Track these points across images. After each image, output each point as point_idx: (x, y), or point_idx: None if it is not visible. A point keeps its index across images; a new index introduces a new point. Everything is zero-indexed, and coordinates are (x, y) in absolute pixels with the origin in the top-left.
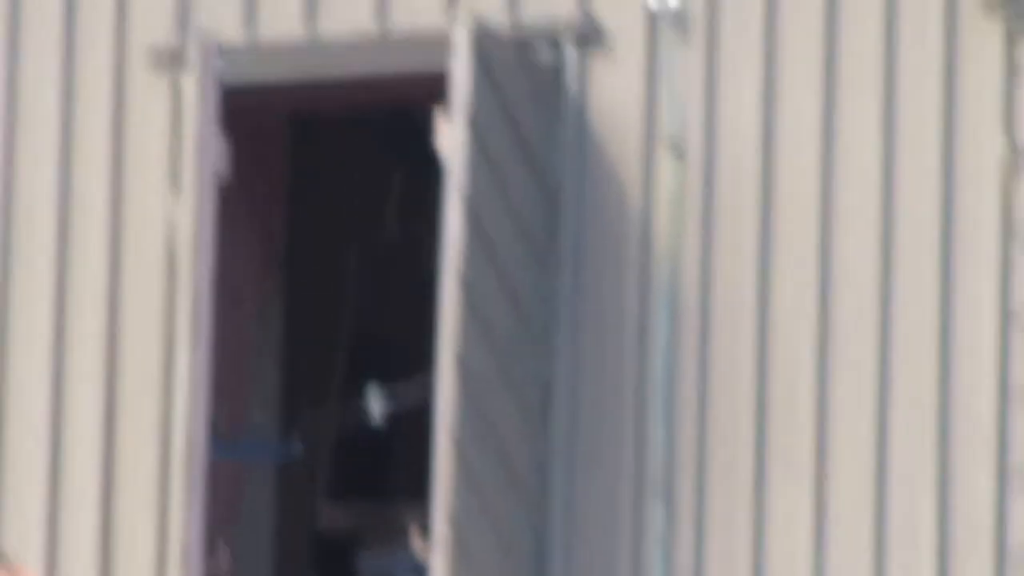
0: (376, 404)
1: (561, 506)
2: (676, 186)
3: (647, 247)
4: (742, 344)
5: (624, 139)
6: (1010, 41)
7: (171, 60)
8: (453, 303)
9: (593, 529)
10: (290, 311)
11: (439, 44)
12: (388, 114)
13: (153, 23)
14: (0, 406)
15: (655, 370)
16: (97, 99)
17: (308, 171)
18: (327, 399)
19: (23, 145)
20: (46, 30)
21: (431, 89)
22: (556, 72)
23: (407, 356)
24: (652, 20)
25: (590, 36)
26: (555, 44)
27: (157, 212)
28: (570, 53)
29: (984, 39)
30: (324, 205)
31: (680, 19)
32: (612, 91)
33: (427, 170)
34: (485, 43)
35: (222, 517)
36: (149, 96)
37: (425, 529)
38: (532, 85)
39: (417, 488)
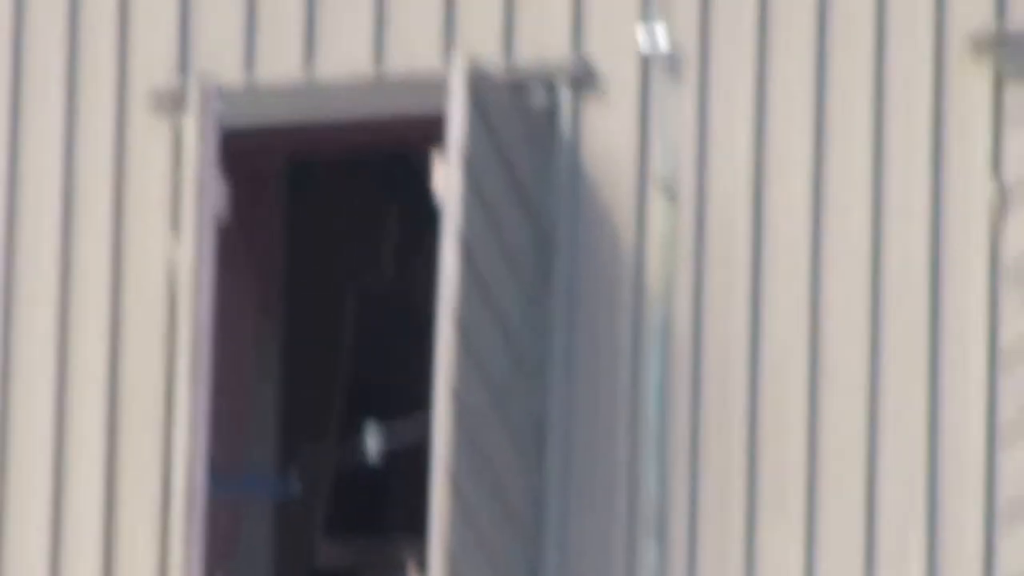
0: (373, 442)
1: (555, 540)
2: (668, 227)
3: (640, 287)
4: (734, 383)
5: (617, 181)
6: (998, 84)
7: (171, 103)
8: (448, 342)
9: (587, 564)
10: (288, 349)
11: (435, 87)
12: (385, 157)
13: (154, 66)
14: (3, 443)
15: (648, 408)
16: (98, 142)
17: (306, 212)
18: (325, 436)
19: (25, 187)
20: (48, 73)
21: (427, 131)
22: (550, 115)
23: (404, 394)
24: (645, 63)
25: (583, 79)
26: (549, 87)
27: (158, 252)
28: (564, 96)
29: (973, 81)
30: (322, 245)
31: (672, 62)
32: (605, 133)
33: (424, 212)
34: (480, 86)
35: (221, 552)
36: (150, 139)
37: (422, 564)
38: (526, 127)
39: (414, 524)
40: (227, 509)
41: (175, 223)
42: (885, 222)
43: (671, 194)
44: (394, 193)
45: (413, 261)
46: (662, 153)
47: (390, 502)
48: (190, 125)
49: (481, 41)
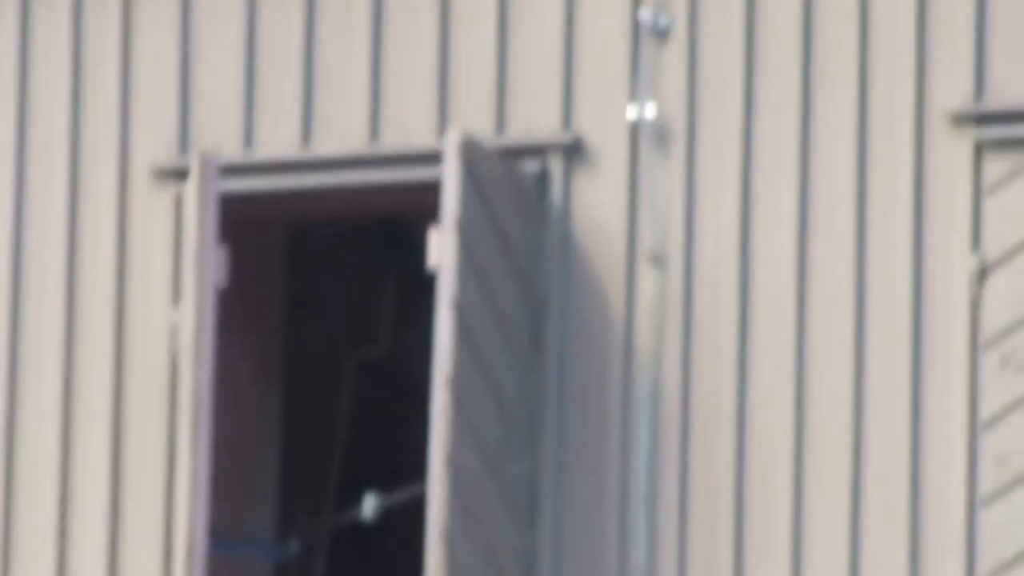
0: (370, 507)
1: None
2: (657, 295)
3: (629, 354)
4: (721, 446)
5: (607, 250)
6: (978, 157)
7: (173, 172)
8: (443, 408)
9: None
10: (288, 416)
11: (429, 159)
12: (381, 227)
13: (155, 142)
14: (8, 506)
15: (637, 471)
16: (101, 213)
17: (304, 279)
18: (324, 501)
19: (30, 257)
20: (52, 149)
21: (421, 201)
22: (541, 184)
23: (401, 460)
24: (633, 135)
25: (574, 150)
26: (540, 157)
27: (159, 320)
28: (555, 167)
29: (953, 155)
30: (320, 314)
31: (659, 133)
32: (595, 204)
33: (419, 281)
34: (473, 157)
35: None
36: (151, 209)
37: None
38: (518, 198)
39: None
40: (227, 572)
41: (176, 291)
42: (868, 291)
43: (659, 262)
44: (390, 262)
45: (409, 329)
46: (650, 222)
47: (385, 562)
48: (190, 195)
49: (474, 116)
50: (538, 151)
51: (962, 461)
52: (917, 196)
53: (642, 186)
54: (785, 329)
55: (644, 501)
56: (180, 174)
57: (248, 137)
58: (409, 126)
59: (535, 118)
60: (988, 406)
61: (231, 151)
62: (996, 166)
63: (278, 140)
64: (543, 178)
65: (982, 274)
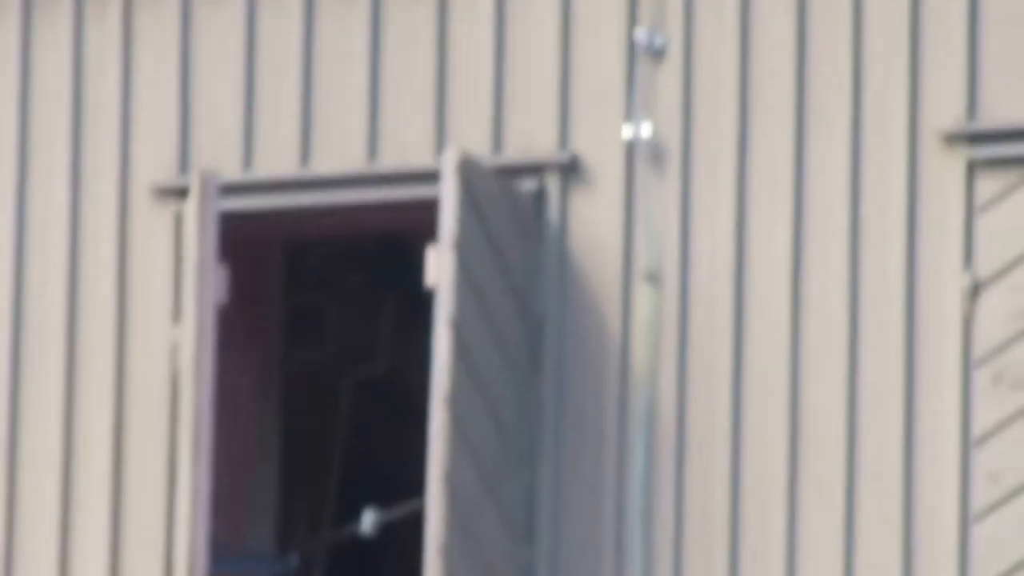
0: (369, 522)
1: None
2: (652, 313)
3: (625, 371)
4: (716, 463)
5: (603, 268)
6: (970, 175)
7: (173, 190)
8: (441, 425)
9: None
10: (287, 432)
11: (427, 178)
12: (379, 244)
13: (156, 161)
14: (10, 523)
15: (633, 488)
16: (102, 231)
17: (303, 296)
18: (323, 514)
19: (32, 275)
20: (53, 168)
21: (419, 219)
22: (538, 202)
23: (399, 476)
24: (629, 154)
25: (570, 169)
26: (537, 176)
27: (160, 336)
28: (551, 184)
29: (945, 173)
30: (319, 330)
31: (655, 152)
32: (591, 222)
33: (416, 298)
34: (471, 176)
35: None
36: (152, 228)
37: None
38: (515, 215)
39: None
40: None
41: (176, 309)
42: (861, 308)
43: (655, 281)
44: (388, 280)
45: (407, 346)
46: (646, 240)
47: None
48: (191, 214)
49: (471, 135)
50: (535, 170)
51: (955, 477)
52: (910, 214)
53: (638, 205)
54: (780, 347)
55: (640, 517)
56: (180, 193)
57: (247, 156)
58: (407, 145)
59: (532, 137)
60: (981, 422)
61: (231, 170)
62: (988, 185)
63: (277, 159)
64: (540, 197)
65: (975, 291)
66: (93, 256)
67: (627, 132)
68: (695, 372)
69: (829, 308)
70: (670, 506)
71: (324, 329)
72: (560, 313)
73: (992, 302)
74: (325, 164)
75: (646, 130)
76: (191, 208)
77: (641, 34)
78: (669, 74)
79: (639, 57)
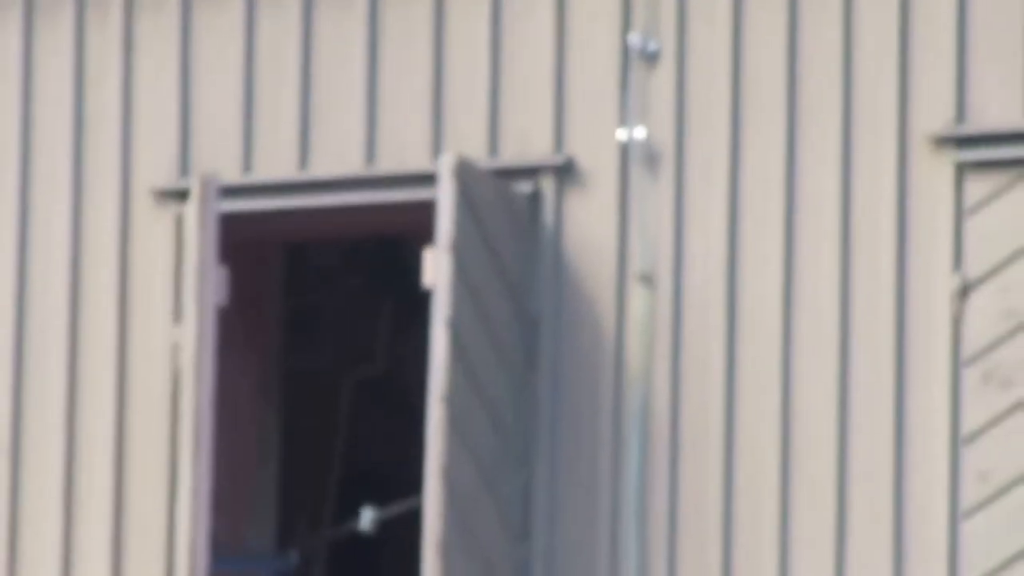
0: (368, 519)
1: None
2: (647, 314)
3: (620, 371)
4: (710, 461)
5: (598, 269)
6: (959, 178)
7: (174, 193)
8: (439, 423)
9: None
10: (287, 432)
11: (424, 181)
12: (377, 246)
13: (156, 164)
14: (13, 520)
15: (628, 486)
16: (103, 233)
17: (302, 297)
18: (322, 512)
19: (34, 277)
20: (56, 173)
21: (416, 221)
22: (534, 204)
23: (397, 474)
24: (624, 155)
25: (565, 171)
26: (533, 177)
27: (161, 337)
28: (547, 186)
29: (935, 176)
30: (318, 330)
31: (649, 153)
32: (586, 224)
33: (414, 298)
34: (467, 179)
35: None
36: (153, 230)
37: None
38: (511, 216)
39: None
40: None
41: (177, 310)
42: (852, 309)
43: (649, 282)
44: (386, 282)
45: (405, 346)
46: (640, 242)
47: (383, 572)
48: (191, 216)
49: (468, 138)
50: (530, 173)
51: (945, 475)
52: (900, 216)
53: (632, 207)
54: (772, 347)
55: (635, 515)
56: (180, 195)
57: (247, 159)
58: (404, 148)
59: (527, 140)
60: (970, 421)
61: (230, 173)
62: (977, 187)
63: (276, 162)
64: (535, 199)
65: (964, 292)
66: (95, 258)
67: (621, 135)
68: (689, 372)
69: (820, 308)
70: (664, 504)
71: (323, 330)
72: (555, 313)
73: (981, 303)
74: (323, 166)
75: (640, 133)
76: (191, 210)
77: (635, 39)
78: (662, 78)
79: (633, 61)
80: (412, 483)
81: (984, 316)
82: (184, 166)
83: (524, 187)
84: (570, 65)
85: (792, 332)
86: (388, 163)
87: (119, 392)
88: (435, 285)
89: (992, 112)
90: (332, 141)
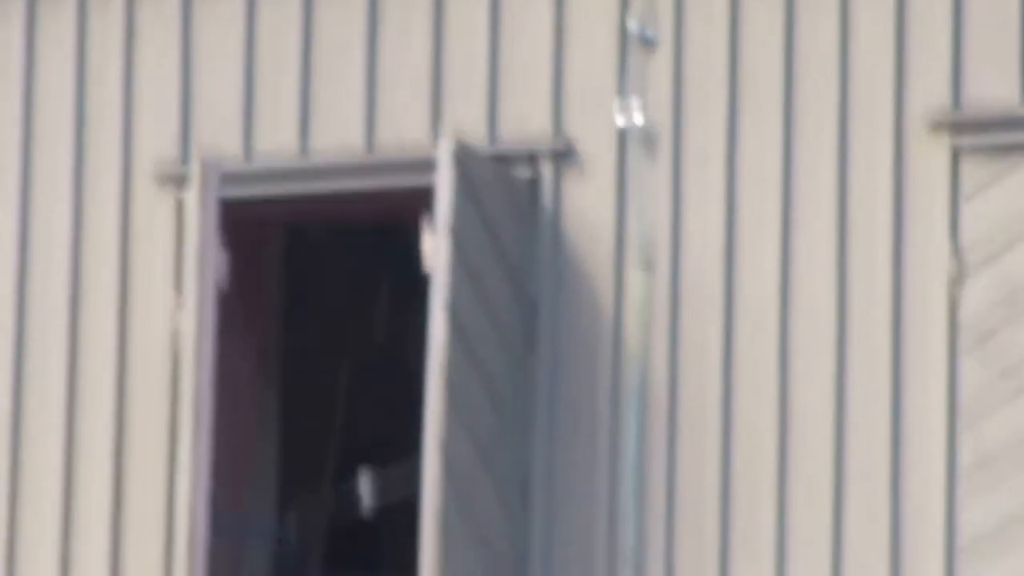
0: (367, 490)
1: None
2: (644, 293)
3: (618, 351)
4: (707, 439)
5: (596, 250)
6: (955, 160)
7: (175, 178)
8: (437, 401)
9: None
10: (286, 405)
11: (423, 163)
12: (377, 228)
13: (158, 144)
14: (13, 492)
15: (626, 466)
16: (105, 215)
17: (302, 275)
18: (321, 486)
19: (36, 259)
20: (57, 157)
21: (416, 204)
22: (532, 188)
23: (396, 450)
24: (622, 140)
25: (564, 154)
26: (531, 162)
27: (162, 317)
28: (545, 170)
29: (931, 160)
30: (317, 308)
31: (647, 138)
32: (585, 206)
33: (413, 280)
34: (466, 161)
35: None
36: (154, 212)
37: None
38: (510, 200)
39: (406, 565)
40: (228, 559)
41: (178, 289)
42: (849, 292)
43: (647, 262)
44: (386, 264)
45: (404, 328)
46: (638, 223)
47: (382, 543)
48: (192, 198)
49: (467, 119)
50: (529, 157)
51: (942, 456)
52: (897, 201)
53: (630, 190)
54: (769, 330)
55: (632, 494)
56: (181, 180)
57: (247, 145)
58: (404, 134)
59: (526, 125)
60: (968, 403)
61: (231, 159)
62: (974, 172)
63: (277, 147)
64: (534, 183)
65: (961, 276)
66: (96, 242)
67: (620, 120)
68: (686, 353)
69: (817, 292)
70: (662, 482)
71: (323, 312)
72: (554, 296)
73: (978, 286)
74: (324, 151)
75: (638, 118)
76: (192, 195)
77: (633, 24)
78: (660, 63)
79: (631, 47)
80: (409, 455)
81: (981, 299)
82: (185, 152)
83: (523, 172)
84: (569, 51)
85: (789, 316)
86: (387, 149)
87: (119, 374)
88: (434, 268)
89: (989, 97)
90: (332, 125)
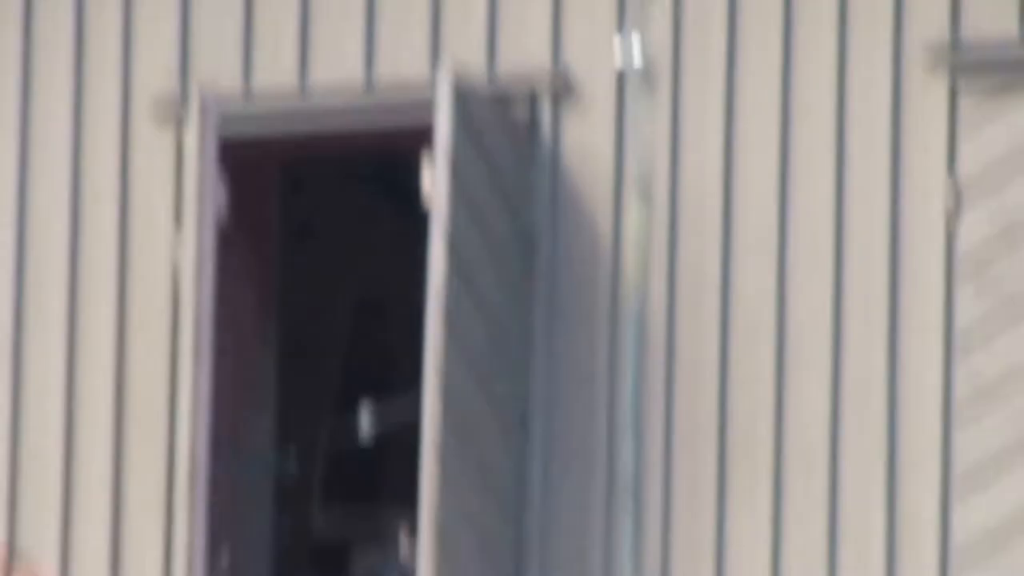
0: (367, 420)
1: (537, 511)
2: (643, 227)
3: (616, 282)
4: (705, 367)
5: (594, 184)
6: (952, 94)
7: (174, 112)
8: (437, 330)
9: (567, 532)
10: (286, 336)
11: (423, 97)
12: (378, 162)
13: (156, 79)
14: (17, 418)
15: (624, 390)
16: (105, 150)
17: (302, 207)
18: (321, 417)
19: (36, 193)
20: (56, 89)
21: (415, 142)
22: (531, 124)
23: (396, 381)
24: (620, 76)
25: (563, 91)
26: (531, 98)
27: (162, 251)
28: (544, 106)
29: (929, 91)
30: (317, 243)
31: (646, 74)
32: (583, 141)
33: (413, 213)
34: (465, 97)
35: (223, 522)
36: (153, 146)
37: (413, 532)
38: (509, 136)
39: (405, 495)
40: (228, 488)
41: (178, 224)
42: (847, 220)
43: (645, 196)
44: (386, 196)
45: (404, 260)
46: (637, 158)
47: (382, 474)
48: (191, 134)
49: (466, 56)
50: (528, 92)
51: (938, 379)
52: (895, 131)
53: (629, 126)
54: (767, 262)
55: (631, 421)
56: (180, 118)
57: (246, 73)
58: (402, 61)
59: (526, 62)
60: (963, 327)
61: (230, 97)
62: (971, 100)
63: (275, 76)
64: (533, 121)
65: (958, 208)
66: (96, 179)
67: (619, 57)
68: (684, 284)
69: (815, 222)
70: (660, 412)
71: (322, 244)
72: (553, 227)
73: (974, 213)
74: (323, 89)
75: (637, 55)
76: (191, 133)
77: None
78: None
79: None
80: (411, 389)
81: (977, 226)
82: (184, 90)
83: (522, 106)
84: None
85: (787, 249)
86: (387, 87)
87: (120, 309)
88: (434, 200)
89: (987, 25)
90: (331, 65)
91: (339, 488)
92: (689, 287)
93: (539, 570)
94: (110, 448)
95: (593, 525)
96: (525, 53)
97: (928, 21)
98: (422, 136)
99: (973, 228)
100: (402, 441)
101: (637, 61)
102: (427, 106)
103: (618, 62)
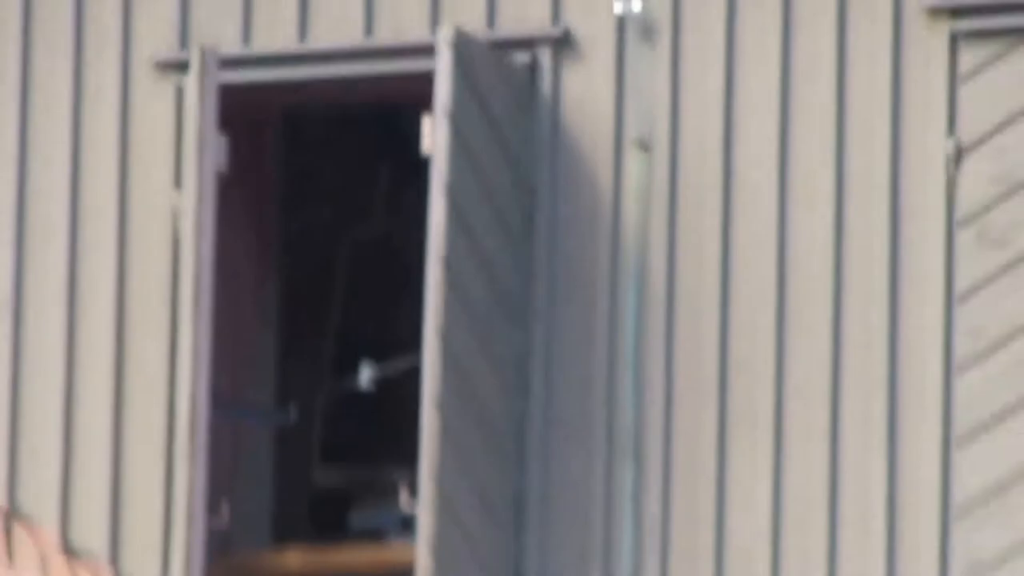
0: (366, 375)
1: (537, 465)
2: (643, 178)
3: (616, 234)
4: (705, 320)
5: (594, 136)
6: (953, 48)
7: (174, 65)
8: (436, 283)
9: (567, 485)
10: (286, 290)
11: (423, 50)
12: (376, 112)
13: (157, 33)
14: (16, 375)
15: (624, 345)
16: (105, 102)
17: (301, 164)
18: (321, 371)
19: (36, 148)
20: (56, 41)
21: (415, 89)
22: (531, 75)
23: (395, 333)
24: (620, 26)
25: (562, 42)
26: (530, 50)
27: (162, 203)
28: (544, 57)
29: (930, 45)
30: (316, 194)
31: (645, 25)
32: (583, 92)
33: (412, 165)
34: (465, 47)
35: (223, 476)
36: (153, 99)
37: (413, 488)
38: (509, 87)
39: (405, 450)
40: (228, 438)
41: (178, 176)
42: (847, 171)
43: (645, 148)
44: (385, 146)
45: (402, 211)
46: (637, 110)
47: (382, 429)
48: (191, 84)
49: (465, 6)
50: (528, 43)
51: (939, 332)
52: (895, 83)
53: (628, 76)
54: (767, 209)
55: (631, 375)
56: (181, 66)
57: (246, 30)
58: (403, 20)
59: (525, 12)
60: (963, 280)
61: (230, 44)
62: (971, 53)
63: (276, 33)
64: (533, 69)
65: (958, 156)
66: (96, 127)
67: (618, 6)
68: (684, 235)
69: (815, 171)
70: (660, 366)
71: (321, 193)
72: (553, 179)
73: (974, 166)
74: (323, 37)
75: (636, 4)
76: (191, 81)
77: None
78: None
79: None
80: (410, 344)
81: (977, 179)
82: (184, 38)
83: (521, 58)
84: None
85: (787, 195)
86: (387, 34)
87: (120, 258)
88: (433, 151)
89: None
90: (332, 11)
91: (338, 449)
92: (689, 237)
93: (539, 526)
94: (110, 402)
95: (594, 475)
96: (525, 6)
97: None
98: (421, 83)
99: (973, 177)
100: (402, 395)
101: (636, 6)
102: (426, 54)
103: (617, 11)
